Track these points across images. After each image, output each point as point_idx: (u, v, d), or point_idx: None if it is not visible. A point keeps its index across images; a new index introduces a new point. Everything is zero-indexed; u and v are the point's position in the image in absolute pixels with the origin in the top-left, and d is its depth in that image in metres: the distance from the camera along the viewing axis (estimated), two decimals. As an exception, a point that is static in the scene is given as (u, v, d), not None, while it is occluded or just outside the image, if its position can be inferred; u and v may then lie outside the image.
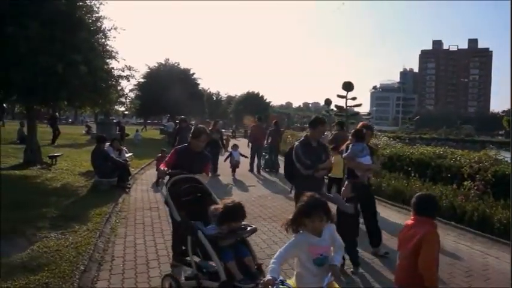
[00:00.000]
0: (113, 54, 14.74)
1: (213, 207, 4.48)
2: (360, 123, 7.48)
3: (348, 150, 6.41)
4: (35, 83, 11.80)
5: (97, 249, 6.34)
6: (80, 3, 13.50)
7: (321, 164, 6.22)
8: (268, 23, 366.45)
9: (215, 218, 4.33)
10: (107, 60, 14.68)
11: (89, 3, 13.92)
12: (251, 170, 16.71)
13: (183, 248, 4.94)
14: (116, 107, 17.53)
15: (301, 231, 3.40)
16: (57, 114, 26.86)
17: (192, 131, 5.95)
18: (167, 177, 5.28)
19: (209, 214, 4.48)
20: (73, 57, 12.14)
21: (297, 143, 6.34)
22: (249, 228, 4.27)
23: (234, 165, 15.46)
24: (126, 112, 21.02)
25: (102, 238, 6.92)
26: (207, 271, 4.25)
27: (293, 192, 6.50)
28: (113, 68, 15.00)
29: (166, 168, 5.33)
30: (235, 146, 15.87)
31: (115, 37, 14.93)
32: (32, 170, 12.91)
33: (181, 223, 4.48)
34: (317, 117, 6.86)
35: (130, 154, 14.51)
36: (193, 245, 4.33)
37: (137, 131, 33.45)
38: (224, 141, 16.63)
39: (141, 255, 6.30)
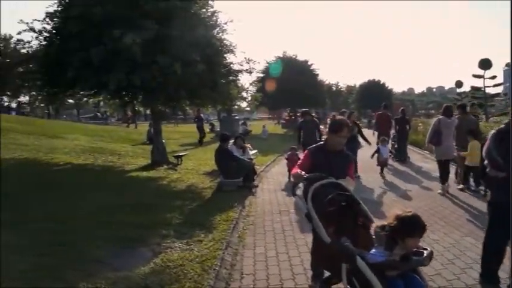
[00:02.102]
0: (231, 48, 14.21)
1: (376, 224, 3.38)
2: None
3: None
4: (154, 84, 11.66)
5: (224, 264, 5.53)
6: None
7: None
8: (383, 6, 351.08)
9: (380, 238, 3.23)
10: (226, 55, 14.21)
11: None
12: None
13: (326, 273, 3.91)
14: (238, 102, 17.11)
15: None
16: (202, 115, 26.86)
17: (330, 124, 4.80)
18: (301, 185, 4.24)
19: (374, 234, 3.38)
20: (191, 55, 11.84)
21: (493, 131, 4.59)
22: (425, 254, 3.08)
23: (382, 163, 13.08)
24: (247, 108, 20.74)
25: (229, 249, 6.13)
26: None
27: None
28: (231, 62, 14.50)
29: (302, 172, 4.23)
30: (384, 141, 13.52)
31: (235, 30, 14.41)
32: (158, 171, 12.87)
33: (331, 245, 3.42)
34: None
35: (255, 151, 13.89)
36: (349, 273, 3.26)
37: (264, 126, 33.28)
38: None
39: (274, 273, 5.35)
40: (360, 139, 12.94)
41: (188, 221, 7.45)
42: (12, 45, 57.23)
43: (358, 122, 14.52)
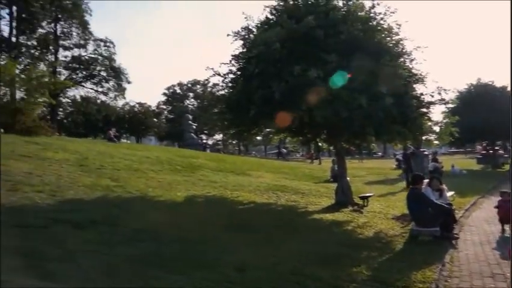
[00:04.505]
0: (421, 77, 12.85)
1: None
2: None
3: None
4: (337, 120, 11.00)
5: None
6: (379, 28, 12.28)
7: None
8: None
9: None
10: (415, 86, 12.90)
11: (387, 26, 12.53)
12: None
13: None
14: (427, 137, 15.45)
15: None
16: (411, 149, 24.33)
17: None
18: None
19: None
20: (376, 88, 10.95)
21: None
22: None
23: None
24: (436, 142, 18.77)
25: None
26: None
27: None
28: (422, 93, 13.09)
29: None
30: None
31: (425, 60, 13.02)
32: (343, 213, 12.05)
33: None
34: None
35: (452, 193, 12.14)
36: None
37: (452, 166, 30.10)
38: None
39: None
40: None
41: (377, 279, 6.40)
42: (208, 89, 64.09)
43: None
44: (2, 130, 20.46)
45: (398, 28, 12.58)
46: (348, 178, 14.34)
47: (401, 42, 12.77)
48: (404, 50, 12.86)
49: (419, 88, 13.08)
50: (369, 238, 9.34)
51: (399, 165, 34.08)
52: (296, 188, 17.04)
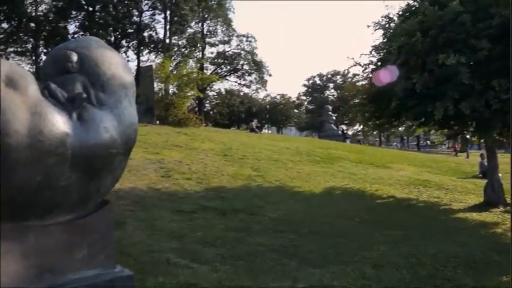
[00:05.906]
0: None
1: None
2: None
3: None
4: (488, 112, 10.06)
5: None
6: None
7: None
8: None
9: None
10: None
11: None
12: None
13: None
14: None
15: None
16: None
17: None
18: None
19: None
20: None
21: None
22: None
23: None
24: None
25: None
26: None
27: None
28: None
29: None
30: None
31: None
32: (492, 214, 11.06)
33: None
34: None
35: None
36: None
37: None
38: None
39: None
40: None
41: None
42: (348, 80, 63.32)
43: None
44: (157, 122, 22.67)
45: None
46: (500, 174, 13.05)
47: None
48: None
49: None
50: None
51: None
52: (440, 183, 16.08)
